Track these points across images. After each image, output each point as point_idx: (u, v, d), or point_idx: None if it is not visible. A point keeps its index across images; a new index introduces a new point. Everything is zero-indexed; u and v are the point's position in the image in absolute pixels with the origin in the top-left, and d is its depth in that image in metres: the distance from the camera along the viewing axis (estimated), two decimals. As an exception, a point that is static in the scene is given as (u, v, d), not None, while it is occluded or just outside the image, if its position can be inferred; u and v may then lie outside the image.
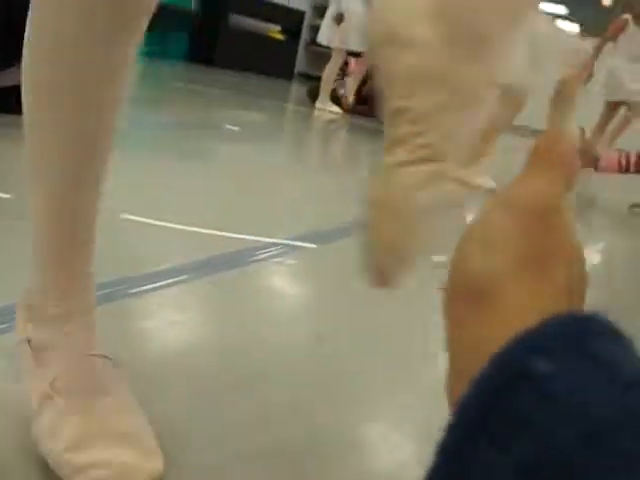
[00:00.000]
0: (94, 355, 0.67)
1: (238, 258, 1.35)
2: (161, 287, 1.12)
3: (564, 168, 0.25)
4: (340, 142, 3.78)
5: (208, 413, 0.79)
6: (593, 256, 2.15)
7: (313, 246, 1.54)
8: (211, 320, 1.07)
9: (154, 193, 1.67)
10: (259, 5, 6.68)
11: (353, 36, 4.53)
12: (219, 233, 1.46)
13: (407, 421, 0.89)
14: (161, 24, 5.92)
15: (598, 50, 3.95)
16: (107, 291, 1.05)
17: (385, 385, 0.97)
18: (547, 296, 0.22)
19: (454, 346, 0.24)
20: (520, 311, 0.21)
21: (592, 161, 2.97)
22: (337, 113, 4.60)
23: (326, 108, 4.69)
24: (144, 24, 0.66)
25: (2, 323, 0.86)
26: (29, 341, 0.67)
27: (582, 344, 0.18)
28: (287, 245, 1.49)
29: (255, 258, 1.37)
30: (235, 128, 3.11)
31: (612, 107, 4.21)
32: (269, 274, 1.34)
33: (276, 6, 6.97)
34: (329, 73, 4.67)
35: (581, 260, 0.25)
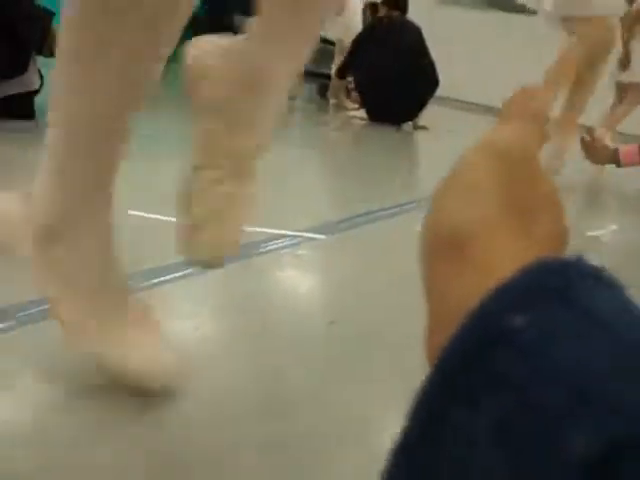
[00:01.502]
0: None
1: (248, 249, 1.37)
2: (172, 279, 1.14)
3: (537, 121, 0.25)
4: (348, 136, 3.79)
5: (220, 400, 0.81)
6: (607, 239, 2.15)
7: (322, 237, 1.56)
8: (222, 310, 1.09)
9: (165, 190, 1.69)
10: (263, 4, 6.70)
11: (354, 27, 4.53)
12: (229, 227, 1.48)
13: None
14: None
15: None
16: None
17: (399, 369, 0.98)
18: (533, 245, 0.21)
19: (433, 298, 0.23)
20: (504, 261, 0.20)
21: (612, 157, 2.90)
22: (351, 107, 4.59)
23: (342, 104, 4.69)
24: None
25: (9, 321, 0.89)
26: None
27: (561, 292, 0.16)
28: (297, 236, 1.51)
29: (265, 249, 1.40)
30: (243, 126, 3.13)
31: (624, 92, 4.09)
32: (279, 264, 1.36)
33: (280, 5, 6.98)
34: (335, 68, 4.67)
35: (562, 210, 0.24)
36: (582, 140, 2.97)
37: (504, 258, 0.21)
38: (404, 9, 4.34)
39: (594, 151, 2.95)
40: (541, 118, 0.25)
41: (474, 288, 0.20)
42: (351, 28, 4.58)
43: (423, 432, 0.17)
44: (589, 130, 3.00)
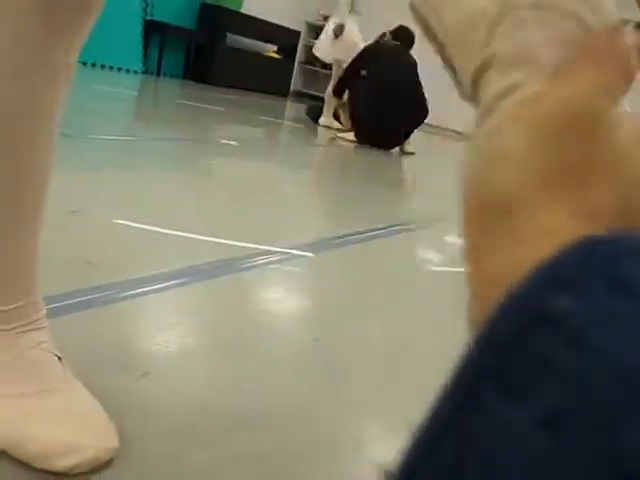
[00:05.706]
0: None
1: (235, 264, 1.38)
2: (158, 290, 1.14)
3: (614, 68, 0.21)
4: (337, 157, 3.83)
5: (204, 413, 0.80)
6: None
7: (310, 254, 1.57)
8: (207, 322, 1.09)
9: (153, 201, 1.69)
10: (255, 25, 6.77)
11: (353, 49, 4.57)
12: (217, 240, 1.49)
13: (401, 422, 0.91)
14: (159, 42, 5.99)
15: None
16: (104, 294, 1.07)
17: (383, 387, 0.99)
18: (585, 217, 0.19)
19: (476, 271, 0.21)
20: (552, 234, 0.19)
21: None
22: (340, 129, 4.64)
23: (331, 125, 4.74)
24: (87, 25, 0.60)
25: None
26: None
27: (610, 270, 0.15)
28: (285, 253, 1.52)
29: (252, 264, 1.40)
30: (233, 143, 3.15)
31: None
32: (266, 280, 1.36)
33: (272, 26, 7.06)
34: (330, 89, 4.70)
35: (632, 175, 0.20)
36: None
37: (556, 229, 0.19)
38: (408, 42, 4.34)
39: None
40: (622, 61, 0.21)
41: (522, 261, 0.18)
42: (350, 49, 4.63)
43: (451, 420, 0.15)
44: None
